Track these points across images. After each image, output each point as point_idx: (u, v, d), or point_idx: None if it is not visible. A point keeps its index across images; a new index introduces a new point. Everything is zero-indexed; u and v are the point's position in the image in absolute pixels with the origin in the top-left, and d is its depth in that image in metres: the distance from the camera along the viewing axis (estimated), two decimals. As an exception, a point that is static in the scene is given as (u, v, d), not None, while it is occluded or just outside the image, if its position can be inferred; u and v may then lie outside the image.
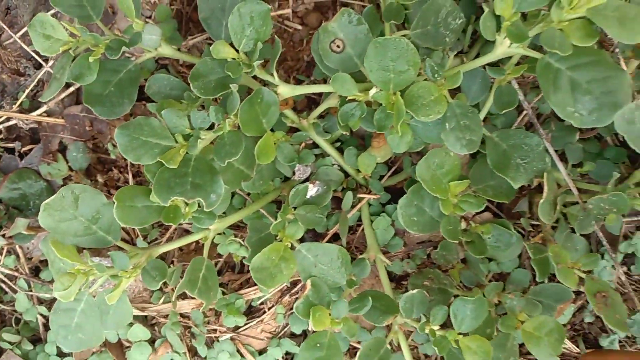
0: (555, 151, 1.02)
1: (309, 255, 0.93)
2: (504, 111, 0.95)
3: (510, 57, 0.94)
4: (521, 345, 1.01)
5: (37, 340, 1.27)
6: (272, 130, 0.95)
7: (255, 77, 0.97)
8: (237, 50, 0.90)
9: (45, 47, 0.96)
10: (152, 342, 1.19)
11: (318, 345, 0.91)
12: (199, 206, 0.84)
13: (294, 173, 1.12)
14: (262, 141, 0.91)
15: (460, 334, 0.91)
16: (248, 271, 1.21)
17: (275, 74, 0.92)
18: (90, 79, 0.94)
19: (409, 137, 0.90)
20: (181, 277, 0.94)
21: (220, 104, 0.94)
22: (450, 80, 0.87)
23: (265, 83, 0.97)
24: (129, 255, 0.85)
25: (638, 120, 0.93)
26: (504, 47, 0.86)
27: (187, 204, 0.85)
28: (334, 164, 1.12)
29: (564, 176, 0.99)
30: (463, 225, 1.03)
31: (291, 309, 1.17)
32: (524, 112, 1.09)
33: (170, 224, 0.81)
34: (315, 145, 1.12)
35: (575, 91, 0.82)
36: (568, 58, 0.82)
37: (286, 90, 0.93)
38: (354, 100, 0.92)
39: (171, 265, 1.20)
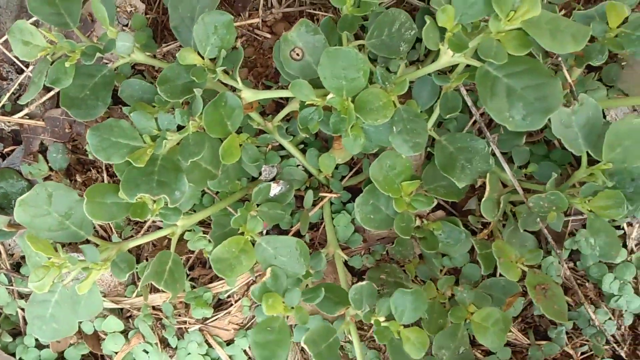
0: (504, 154, 1.10)
1: (268, 247, 1.00)
2: (449, 116, 1.02)
3: (456, 65, 1.01)
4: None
5: (17, 333, 1.32)
6: (238, 132, 1.02)
7: (224, 83, 1.04)
8: (202, 57, 0.97)
9: (25, 52, 1.03)
10: (125, 333, 1.25)
11: (269, 329, 0.97)
12: (165, 203, 0.90)
13: (260, 174, 1.19)
14: (226, 142, 0.97)
15: (403, 325, 0.98)
16: (218, 267, 1.27)
17: (238, 79, 0.99)
18: (67, 83, 1.00)
19: (362, 140, 0.97)
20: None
21: (188, 107, 1.00)
22: (398, 87, 0.94)
23: (234, 88, 1.04)
24: (100, 250, 0.91)
25: (574, 125, 1.01)
26: (447, 56, 0.93)
27: (154, 201, 0.92)
28: (298, 165, 1.19)
29: (509, 177, 1.06)
30: (417, 222, 1.10)
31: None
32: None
33: (138, 219, 0.88)
34: (281, 147, 1.19)
35: (511, 97, 0.89)
36: (505, 66, 0.89)
37: (249, 95, 1.00)
38: (312, 105, 0.99)
39: (145, 262, 1.26)
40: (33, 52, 1.03)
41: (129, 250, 1.00)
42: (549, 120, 0.96)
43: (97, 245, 0.91)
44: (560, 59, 1.07)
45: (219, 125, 0.96)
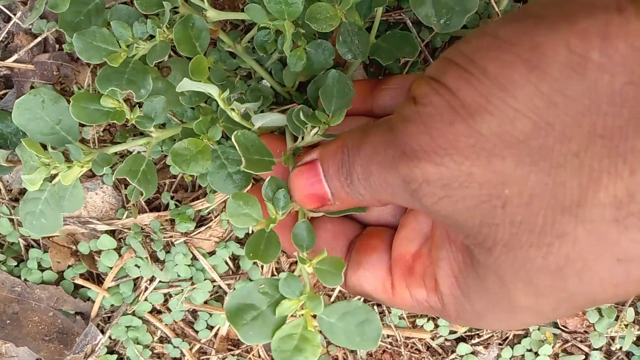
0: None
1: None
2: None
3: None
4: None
5: (20, 260, 1.45)
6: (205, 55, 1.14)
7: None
8: (173, -21, 1.09)
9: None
10: (118, 251, 1.39)
11: None
12: (139, 107, 1.02)
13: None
14: (195, 59, 1.09)
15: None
16: (198, 189, 1.41)
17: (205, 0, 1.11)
18: (64, 9, 1.11)
19: (304, 61, 1.09)
20: (142, 196, 1.12)
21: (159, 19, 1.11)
22: (344, 2, 1.06)
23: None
24: (84, 154, 1.03)
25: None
26: (382, -28, 1.05)
27: (131, 111, 1.04)
28: (262, 79, 1.30)
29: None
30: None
31: (235, 215, 1.36)
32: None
33: (116, 121, 0.99)
34: (249, 77, 1.31)
35: (436, 5, 1.01)
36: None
37: (213, 14, 1.12)
38: (265, 27, 1.11)
39: (129, 185, 1.39)
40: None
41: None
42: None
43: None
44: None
45: (188, 43, 1.08)
